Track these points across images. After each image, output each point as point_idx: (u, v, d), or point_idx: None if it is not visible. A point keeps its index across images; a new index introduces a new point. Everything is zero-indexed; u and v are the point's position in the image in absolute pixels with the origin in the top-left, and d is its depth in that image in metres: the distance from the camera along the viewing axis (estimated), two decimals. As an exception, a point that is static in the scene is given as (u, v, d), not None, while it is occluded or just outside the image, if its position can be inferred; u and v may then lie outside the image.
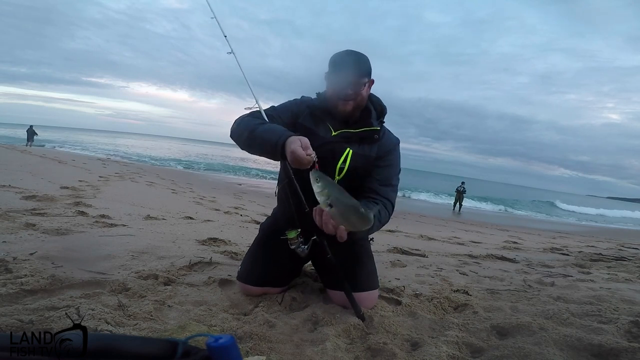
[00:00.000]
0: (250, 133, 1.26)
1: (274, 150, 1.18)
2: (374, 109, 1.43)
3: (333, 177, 1.32)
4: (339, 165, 1.34)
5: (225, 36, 1.58)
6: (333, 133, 1.37)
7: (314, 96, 1.47)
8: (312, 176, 1.11)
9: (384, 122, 1.46)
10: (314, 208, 1.13)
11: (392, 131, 1.47)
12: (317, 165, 1.15)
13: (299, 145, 1.10)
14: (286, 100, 1.51)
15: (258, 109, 1.41)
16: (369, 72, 1.35)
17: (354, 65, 1.32)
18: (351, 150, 1.35)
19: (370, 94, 1.44)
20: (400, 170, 1.46)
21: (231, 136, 1.37)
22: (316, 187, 1.10)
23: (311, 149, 1.12)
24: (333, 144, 1.35)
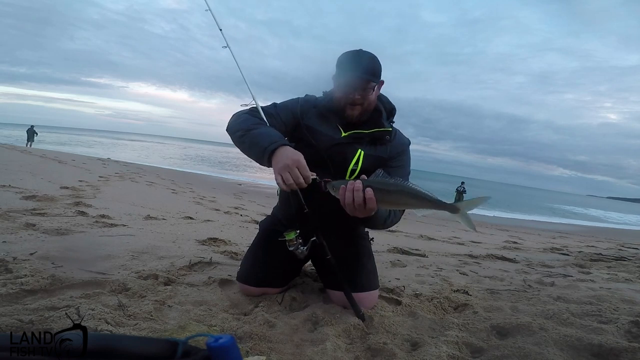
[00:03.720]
0: (245, 132, 1.24)
1: (261, 155, 1.18)
2: (384, 109, 1.39)
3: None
4: (350, 167, 1.31)
5: (221, 30, 1.53)
6: (343, 134, 1.33)
7: (319, 94, 1.44)
8: (331, 188, 1.13)
9: (393, 122, 1.42)
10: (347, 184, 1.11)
11: None
12: (322, 183, 1.15)
13: (291, 178, 1.10)
14: (287, 99, 1.46)
15: (255, 105, 1.37)
16: (378, 75, 1.30)
17: (363, 68, 1.26)
18: (362, 152, 1.32)
19: (380, 93, 1.40)
20: (410, 172, 1.43)
21: (227, 130, 1.35)
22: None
23: (308, 171, 1.13)
24: (344, 146, 1.32)
